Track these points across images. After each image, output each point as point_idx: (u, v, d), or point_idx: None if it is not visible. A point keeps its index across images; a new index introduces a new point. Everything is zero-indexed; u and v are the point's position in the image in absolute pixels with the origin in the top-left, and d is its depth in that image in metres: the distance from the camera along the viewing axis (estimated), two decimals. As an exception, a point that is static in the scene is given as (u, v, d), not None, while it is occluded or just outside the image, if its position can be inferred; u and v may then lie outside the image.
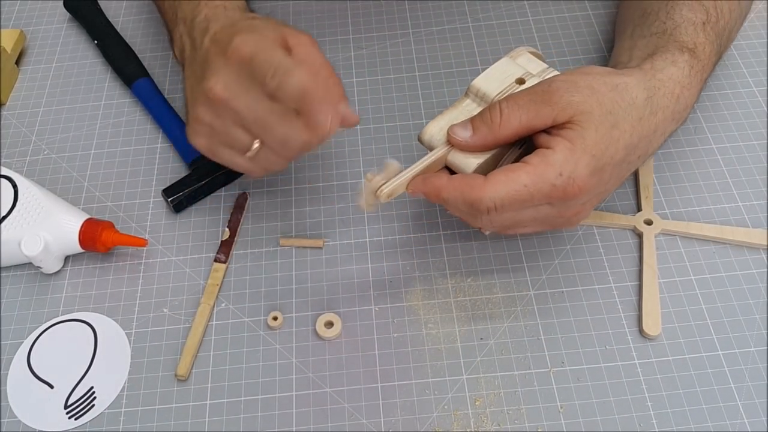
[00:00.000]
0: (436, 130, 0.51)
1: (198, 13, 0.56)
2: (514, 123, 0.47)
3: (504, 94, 0.52)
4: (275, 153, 0.51)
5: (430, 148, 0.51)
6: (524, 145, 0.51)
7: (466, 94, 0.53)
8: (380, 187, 0.49)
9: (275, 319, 0.54)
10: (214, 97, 0.49)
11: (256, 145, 0.50)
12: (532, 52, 0.56)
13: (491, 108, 0.49)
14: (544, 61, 0.55)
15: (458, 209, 0.48)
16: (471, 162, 0.50)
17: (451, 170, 0.51)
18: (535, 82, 0.52)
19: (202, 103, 0.50)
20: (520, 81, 0.53)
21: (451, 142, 0.50)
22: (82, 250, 0.57)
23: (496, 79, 0.53)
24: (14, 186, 0.58)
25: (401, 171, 0.49)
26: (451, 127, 0.50)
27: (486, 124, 0.48)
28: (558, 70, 0.53)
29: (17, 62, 0.74)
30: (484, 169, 0.50)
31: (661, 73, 0.51)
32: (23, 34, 0.75)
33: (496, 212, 0.47)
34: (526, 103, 0.48)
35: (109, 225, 0.57)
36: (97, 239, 0.56)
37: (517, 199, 0.46)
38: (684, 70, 0.52)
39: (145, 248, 0.59)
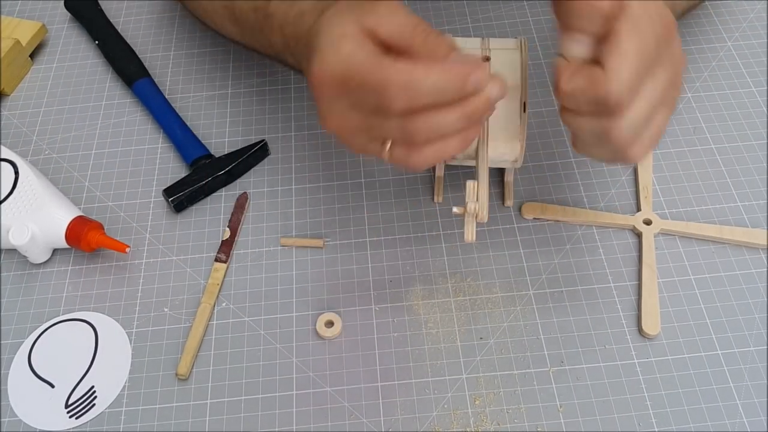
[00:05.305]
0: None
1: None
2: None
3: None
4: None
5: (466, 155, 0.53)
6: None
7: None
8: (478, 213, 0.47)
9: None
10: None
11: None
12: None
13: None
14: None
15: (581, 108, 0.42)
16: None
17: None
18: (498, 48, 0.55)
19: None
20: (486, 58, 0.55)
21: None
22: (68, 246, 0.57)
23: None
24: (15, 172, 0.58)
25: (474, 186, 0.48)
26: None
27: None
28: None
29: (33, 56, 0.74)
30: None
31: None
32: (44, 28, 0.74)
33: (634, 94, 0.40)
34: None
35: (97, 226, 0.57)
36: (82, 238, 0.56)
37: (646, 56, 0.40)
38: None
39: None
